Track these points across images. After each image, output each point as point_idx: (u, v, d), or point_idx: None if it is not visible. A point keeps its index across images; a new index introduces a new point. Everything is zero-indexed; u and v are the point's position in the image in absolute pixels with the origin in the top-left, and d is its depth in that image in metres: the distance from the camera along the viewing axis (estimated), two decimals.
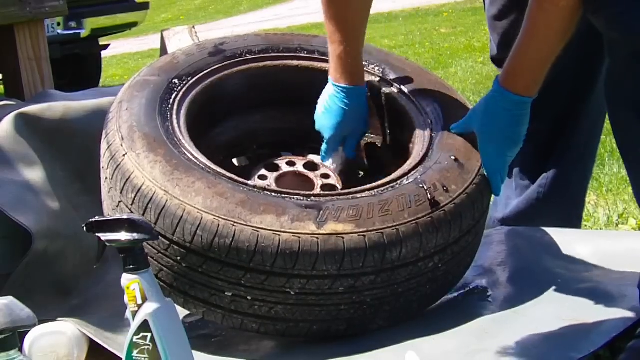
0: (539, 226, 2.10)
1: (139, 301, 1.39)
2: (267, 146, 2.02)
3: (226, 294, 1.59)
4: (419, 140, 1.80)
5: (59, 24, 6.62)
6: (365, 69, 1.90)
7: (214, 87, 1.89)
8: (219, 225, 1.54)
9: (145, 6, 7.35)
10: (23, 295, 1.50)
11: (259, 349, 1.71)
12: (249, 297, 1.58)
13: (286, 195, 1.62)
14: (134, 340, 1.40)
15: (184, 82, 1.84)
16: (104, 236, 1.41)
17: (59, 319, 1.81)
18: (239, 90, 1.94)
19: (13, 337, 1.33)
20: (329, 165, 1.90)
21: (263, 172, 1.87)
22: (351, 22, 1.81)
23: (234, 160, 2.03)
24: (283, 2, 15.76)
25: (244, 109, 1.99)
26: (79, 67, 7.21)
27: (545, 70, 1.64)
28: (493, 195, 1.80)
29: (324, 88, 1.92)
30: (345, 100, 1.83)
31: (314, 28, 10.11)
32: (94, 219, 1.43)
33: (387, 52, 2.06)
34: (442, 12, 10.67)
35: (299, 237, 1.54)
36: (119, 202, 1.66)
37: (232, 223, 1.54)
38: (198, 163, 1.66)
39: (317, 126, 1.88)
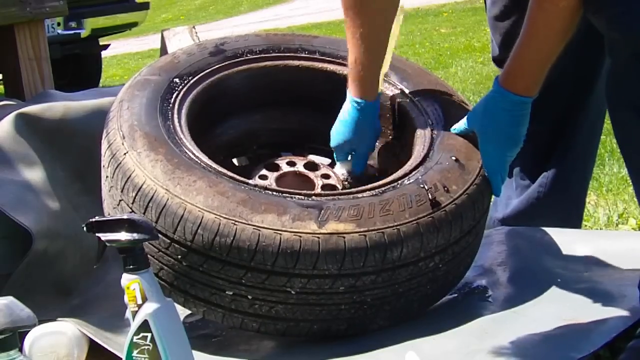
0: (540, 226, 2.10)
1: (139, 301, 1.39)
2: (268, 146, 2.02)
3: (227, 293, 1.59)
4: (420, 140, 1.80)
5: (59, 24, 6.62)
6: None
7: (214, 86, 1.89)
8: (220, 224, 1.54)
9: (145, 6, 7.35)
10: (23, 295, 1.50)
11: (260, 348, 1.71)
12: (249, 296, 1.58)
13: (287, 195, 1.62)
14: (134, 340, 1.40)
15: (185, 82, 1.85)
16: (104, 236, 1.41)
17: (59, 319, 1.81)
18: (240, 90, 1.94)
19: (13, 337, 1.33)
20: (339, 175, 1.88)
21: (263, 172, 1.87)
22: (369, 34, 1.76)
23: (234, 160, 2.03)
24: (283, 2, 15.76)
25: (245, 108, 1.99)
26: (79, 67, 7.21)
27: (546, 71, 1.64)
28: (493, 196, 1.80)
29: (324, 88, 1.92)
30: (355, 114, 1.81)
31: (314, 28, 10.11)
32: (94, 219, 1.43)
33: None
34: (442, 12, 10.66)
35: (300, 236, 1.54)
36: (120, 200, 1.66)
37: (233, 222, 1.55)
38: (199, 162, 1.66)
39: (331, 133, 1.86)
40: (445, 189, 1.66)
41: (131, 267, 1.40)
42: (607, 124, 1.79)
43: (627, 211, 2.65)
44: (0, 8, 2.51)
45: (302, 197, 1.62)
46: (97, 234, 1.42)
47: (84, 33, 6.83)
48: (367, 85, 1.81)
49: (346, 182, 1.87)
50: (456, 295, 1.82)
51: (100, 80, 7.69)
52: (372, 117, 1.84)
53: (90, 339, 1.75)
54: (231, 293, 1.59)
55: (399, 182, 1.69)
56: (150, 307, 1.39)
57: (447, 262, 1.66)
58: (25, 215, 1.91)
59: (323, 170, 1.91)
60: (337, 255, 1.55)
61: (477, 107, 1.76)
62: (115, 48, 10.12)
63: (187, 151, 1.68)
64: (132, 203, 1.62)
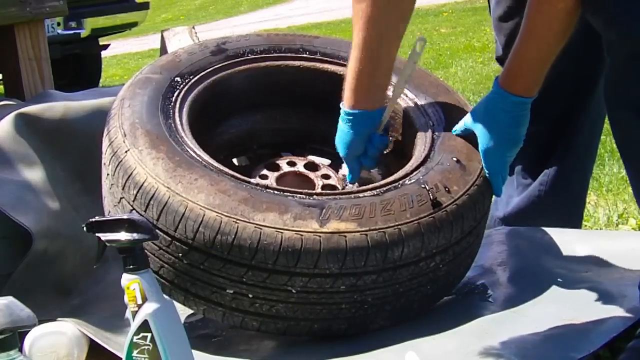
0: (540, 224, 2.10)
1: (139, 301, 1.39)
2: (268, 146, 2.03)
3: (227, 291, 1.59)
4: (421, 141, 1.81)
5: (59, 24, 6.62)
6: None
7: (215, 86, 1.89)
8: (221, 222, 1.55)
9: (145, 6, 7.35)
10: (23, 295, 1.50)
11: (260, 348, 1.71)
12: (250, 295, 1.58)
13: (289, 194, 1.62)
14: (134, 340, 1.40)
15: (186, 81, 1.85)
16: (104, 236, 1.41)
17: (59, 319, 1.81)
18: (241, 90, 1.94)
19: (13, 337, 1.33)
20: (349, 185, 1.87)
21: (264, 171, 1.87)
22: (375, 47, 1.72)
23: (234, 160, 2.03)
24: (283, 2, 15.76)
25: (245, 108, 1.99)
26: (79, 67, 7.21)
27: (545, 71, 1.65)
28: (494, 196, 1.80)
29: (325, 89, 1.92)
30: (350, 125, 1.78)
31: (314, 28, 10.11)
32: (94, 219, 1.43)
33: None
34: (442, 12, 10.66)
35: (302, 235, 1.54)
36: (121, 198, 1.66)
37: (235, 220, 1.55)
38: (200, 160, 1.66)
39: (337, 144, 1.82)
40: (447, 189, 1.67)
41: (131, 267, 1.40)
42: (607, 124, 1.79)
43: (627, 211, 2.65)
44: (0, 8, 2.51)
45: (304, 196, 1.62)
46: (97, 234, 1.42)
47: (84, 33, 6.83)
48: (371, 95, 1.76)
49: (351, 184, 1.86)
50: (456, 295, 1.82)
51: (100, 80, 7.69)
52: (367, 125, 1.80)
53: (90, 339, 1.75)
54: (232, 291, 1.59)
55: (400, 182, 1.69)
56: (150, 307, 1.39)
57: (448, 262, 1.66)
58: (25, 215, 1.91)
59: (323, 171, 1.91)
60: (338, 255, 1.55)
61: (477, 108, 1.76)
62: (115, 48, 10.12)
63: (188, 149, 1.68)
64: (133, 201, 1.62)
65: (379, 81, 1.76)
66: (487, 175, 1.73)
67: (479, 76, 5.55)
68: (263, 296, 1.58)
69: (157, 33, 2.91)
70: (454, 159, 1.73)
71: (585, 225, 2.50)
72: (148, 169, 1.62)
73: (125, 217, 1.42)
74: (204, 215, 1.55)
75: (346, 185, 1.86)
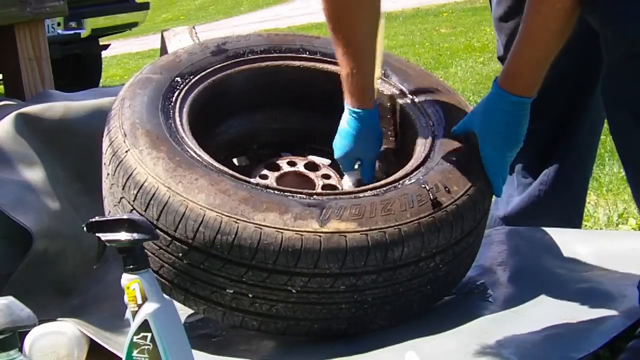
0: (541, 224, 2.10)
1: (139, 301, 1.39)
2: (268, 146, 2.03)
3: (227, 291, 1.59)
4: (421, 141, 1.81)
5: (59, 24, 6.62)
6: None
7: (215, 86, 1.89)
8: (221, 222, 1.55)
9: (145, 6, 7.35)
10: (23, 295, 1.50)
11: (260, 348, 1.71)
12: (250, 295, 1.58)
13: (289, 194, 1.62)
14: (134, 340, 1.40)
15: (187, 81, 1.85)
16: (104, 236, 1.41)
17: (59, 319, 1.81)
18: (241, 90, 1.94)
19: (13, 337, 1.33)
20: (346, 186, 1.88)
21: (264, 171, 1.87)
22: (358, 44, 1.77)
23: (234, 160, 2.03)
24: (283, 2, 15.75)
25: (246, 108, 1.99)
26: (79, 67, 7.21)
27: (544, 71, 1.65)
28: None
29: (325, 89, 1.92)
30: (355, 124, 1.81)
31: (314, 28, 10.11)
32: (94, 219, 1.43)
33: (388, 53, 2.06)
34: (442, 12, 10.66)
35: (302, 235, 1.54)
36: (121, 198, 1.66)
37: (235, 220, 1.55)
38: (201, 160, 1.66)
39: (333, 146, 1.86)
40: (447, 189, 1.67)
41: (131, 267, 1.40)
42: (607, 124, 1.80)
43: (627, 211, 2.65)
44: (0, 8, 2.51)
45: (304, 196, 1.62)
46: (97, 234, 1.42)
47: (84, 33, 6.83)
48: (364, 95, 1.81)
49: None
50: (456, 295, 1.82)
51: (100, 80, 7.69)
52: (373, 124, 1.84)
53: (90, 339, 1.75)
54: (232, 291, 1.59)
55: (401, 182, 1.69)
56: (150, 307, 1.39)
57: (448, 262, 1.66)
58: (25, 215, 1.91)
59: (323, 171, 1.91)
60: (338, 254, 1.55)
61: (476, 108, 1.76)
62: (115, 48, 10.12)
63: (188, 149, 1.68)
64: (134, 201, 1.62)
65: (371, 79, 1.81)
66: (487, 175, 1.73)
67: (479, 76, 5.54)
68: (263, 296, 1.58)
69: (157, 33, 2.91)
70: (454, 159, 1.73)
71: (585, 225, 2.49)
72: (148, 168, 1.62)
73: (125, 217, 1.42)
74: (204, 215, 1.55)
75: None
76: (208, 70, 1.89)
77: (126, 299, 1.41)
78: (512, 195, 2.17)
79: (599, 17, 1.50)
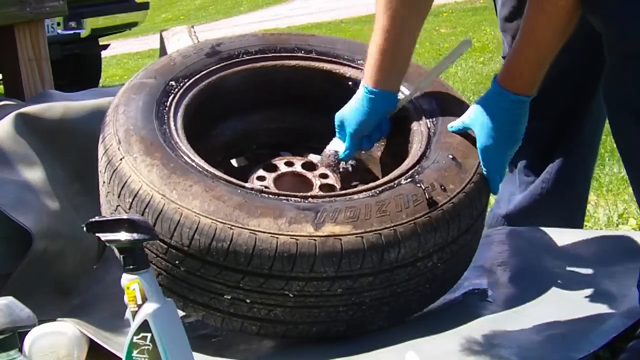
0: (543, 222, 2.10)
1: (139, 301, 1.39)
2: (266, 146, 2.02)
3: (225, 297, 1.58)
4: (417, 139, 1.80)
5: (59, 24, 6.62)
6: (362, 67, 1.89)
7: (211, 88, 1.88)
8: (216, 228, 1.54)
9: (145, 6, 7.34)
10: (23, 295, 1.50)
11: (259, 349, 1.71)
12: (247, 300, 1.58)
13: (283, 198, 1.62)
14: (134, 340, 1.40)
15: (181, 84, 1.84)
16: (104, 236, 1.41)
17: (59, 319, 1.81)
18: (237, 91, 1.94)
19: (13, 337, 1.33)
20: (331, 151, 1.87)
21: (261, 172, 1.86)
22: (401, 27, 1.76)
23: (233, 161, 2.03)
24: (283, 2, 15.75)
25: (242, 109, 1.99)
26: (79, 67, 7.21)
27: (544, 70, 1.65)
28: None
29: (321, 87, 1.91)
30: (370, 102, 1.79)
31: (314, 28, 10.11)
32: (94, 219, 1.43)
33: None
34: (442, 12, 10.66)
35: (297, 240, 1.53)
36: (117, 206, 1.66)
37: (230, 226, 1.54)
38: (195, 166, 1.65)
39: (338, 118, 1.84)
40: (443, 187, 1.66)
41: (131, 267, 1.40)
42: (608, 123, 1.80)
43: (627, 211, 2.65)
44: (0, 8, 2.51)
45: (299, 200, 1.62)
46: (97, 234, 1.42)
47: (84, 33, 6.82)
48: (385, 75, 1.79)
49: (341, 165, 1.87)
50: (456, 295, 1.82)
51: (100, 80, 7.68)
52: (390, 107, 1.83)
53: (90, 339, 1.75)
54: (229, 297, 1.58)
55: (396, 181, 1.68)
56: (150, 307, 1.39)
57: (446, 261, 1.66)
58: (25, 215, 1.91)
59: (321, 170, 1.90)
60: (333, 258, 1.54)
61: (475, 106, 1.75)
62: (115, 48, 10.11)
63: (183, 155, 1.67)
64: (129, 209, 1.61)
65: (399, 65, 1.80)
66: (485, 173, 1.73)
67: (479, 76, 5.54)
68: (261, 301, 1.58)
69: (157, 33, 2.91)
70: (450, 156, 1.73)
71: (585, 225, 2.49)
72: (143, 176, 1.61)
73: (125, 217, 1.42)
74: (199, 222, 1.55)
75: (336, 161, 1.86)
76: (203, 73, 1.88)
77: (126, 299, 1.40)
78: (514, 193, 2.18)
79: (600, 17, 1.50)
